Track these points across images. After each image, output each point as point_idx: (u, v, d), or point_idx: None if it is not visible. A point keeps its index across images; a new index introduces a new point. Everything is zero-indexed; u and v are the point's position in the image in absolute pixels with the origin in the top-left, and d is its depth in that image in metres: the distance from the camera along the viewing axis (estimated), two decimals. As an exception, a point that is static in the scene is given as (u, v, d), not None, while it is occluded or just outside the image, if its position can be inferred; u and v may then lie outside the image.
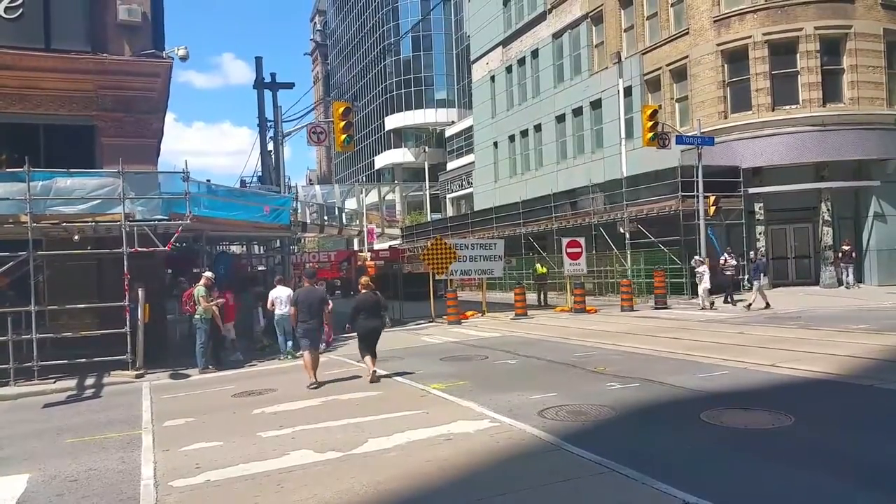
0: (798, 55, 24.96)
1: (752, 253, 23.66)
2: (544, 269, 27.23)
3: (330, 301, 12.51)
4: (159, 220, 13.51)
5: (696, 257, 22.18)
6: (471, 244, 23.85)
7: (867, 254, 25.07)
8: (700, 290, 21.07)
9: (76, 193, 12.87)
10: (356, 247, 53.68)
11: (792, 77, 25.16)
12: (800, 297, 22.53)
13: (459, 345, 15.47)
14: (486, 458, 6.46)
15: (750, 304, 20.16)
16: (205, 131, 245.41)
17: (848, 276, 24.10)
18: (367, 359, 11.07)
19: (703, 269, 21.04)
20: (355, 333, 11.54)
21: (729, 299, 21.54)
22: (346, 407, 9.21)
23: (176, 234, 13.77)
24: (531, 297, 24.95)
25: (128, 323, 12.76)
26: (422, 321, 21.03)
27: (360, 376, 11.44)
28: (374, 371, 11.03)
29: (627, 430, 7.46)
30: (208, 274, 13.92)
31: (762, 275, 20.64)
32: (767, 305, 19.93)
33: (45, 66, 14.48)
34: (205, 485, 6.17)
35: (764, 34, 25.16)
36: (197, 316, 13.46)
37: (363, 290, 11.50)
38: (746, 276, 23.66)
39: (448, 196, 58.86)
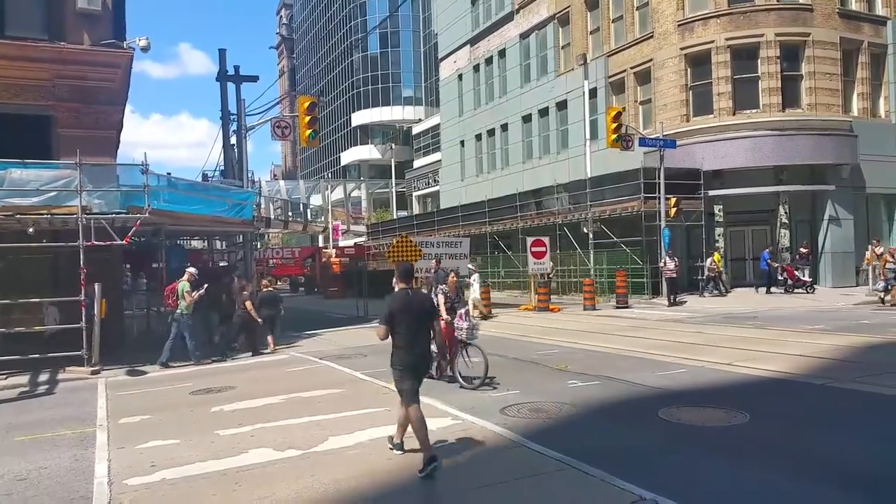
0: (759, 60, 25.44)
1: (470, 265, 22.28)
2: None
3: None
4: (117, 213, 13.24)
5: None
6: (436, 242, 23.81)
7: (822, 256, 25.66)
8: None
9: (31, 185, 12.55)
10: (321, 243, 53.26)
11: (753, 82, 25.64)
12: (757, 297, 23.01)
13: (423, 342, 15.42)
14: (448, 455, 6.46)
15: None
16: (162, 123, 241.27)
17: (804, 277, 24.65)
18: (270, 337, 15.02)
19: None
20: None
21: (672, 300, 22.06)
22: (308, 404, 9.13)
23: (134, 228, 13.50)
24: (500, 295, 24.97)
25: (83, 318, 12.48)
26: (386, 319, 20.90)
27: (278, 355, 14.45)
28: (274, 347, 14.82)
29: (588, 427, 7.54)
30: (192, 270, 13.90)
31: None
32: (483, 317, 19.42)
33: (-2, 53, 14.06)
34: (160, 483, 6.05)
35: (726, 39, 25.60)
36: (179, 311, 13.35)
37: (265, 289, 15.82)
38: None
39: (414, 194, 58.75)
